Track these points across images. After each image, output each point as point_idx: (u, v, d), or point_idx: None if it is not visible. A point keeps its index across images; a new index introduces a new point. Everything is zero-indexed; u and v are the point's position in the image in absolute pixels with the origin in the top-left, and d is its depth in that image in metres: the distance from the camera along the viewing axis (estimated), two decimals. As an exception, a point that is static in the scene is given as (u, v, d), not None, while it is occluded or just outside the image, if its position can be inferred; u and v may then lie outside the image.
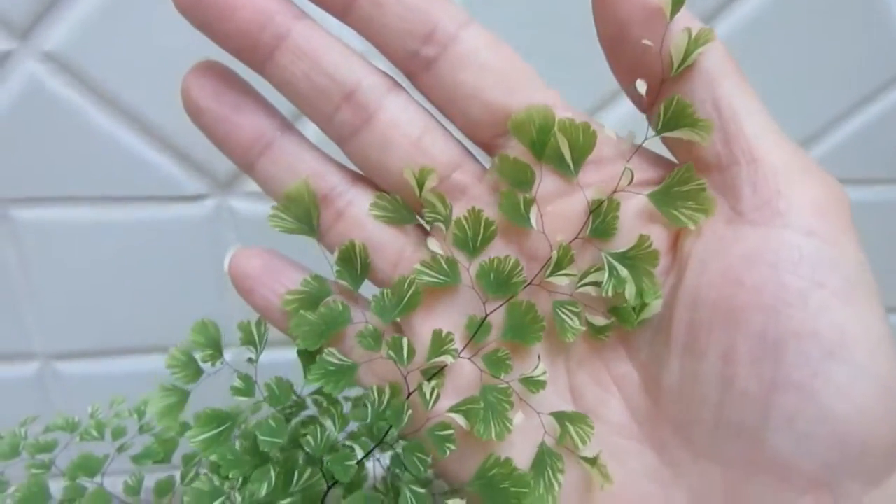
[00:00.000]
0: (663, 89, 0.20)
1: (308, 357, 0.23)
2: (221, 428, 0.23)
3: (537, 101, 0.21)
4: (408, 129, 0.22)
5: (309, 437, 0.22)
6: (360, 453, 0.22)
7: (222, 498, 0.22)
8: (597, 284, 0.21)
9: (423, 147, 0.22)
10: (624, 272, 0.21)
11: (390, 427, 0.22)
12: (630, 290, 0.21)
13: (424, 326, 0.22)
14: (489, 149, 0.22)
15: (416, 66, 0.21)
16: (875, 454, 0.19)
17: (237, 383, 0.23)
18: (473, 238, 0.22)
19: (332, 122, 0.22)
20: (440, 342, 0.22)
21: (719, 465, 0.20)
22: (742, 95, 0.20)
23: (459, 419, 0.21)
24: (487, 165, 0.23)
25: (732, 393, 0.20)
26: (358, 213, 0.23)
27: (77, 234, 0.46)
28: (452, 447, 0.21)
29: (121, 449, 0.30)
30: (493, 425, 0.21)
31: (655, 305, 0.21)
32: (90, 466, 0.29)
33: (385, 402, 0.22)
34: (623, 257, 0.21)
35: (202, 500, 0.22)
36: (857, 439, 0.19)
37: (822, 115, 0.49)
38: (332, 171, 0.23)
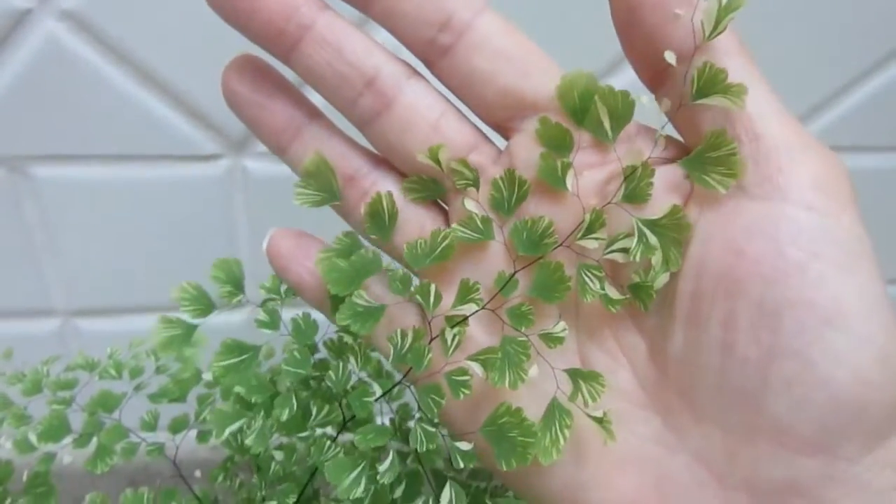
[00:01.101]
0: (692, 59, 0.20)
1: (338, 302, 0.24)
2: (243, 357, 0.23)
3: (551, 85, 0.22)
4: (426, 112, 0.23)
5: (331, 373, 0.23)
6: (378, 391, 0.23)
7: (244, 420, 0.23)
8: (625, 251, 0.22)
9: (440, 130, 0.23)
10: (654, 239, 0.21)
11: (410, 368, 0.22)
12: (658, 258, 0.21)
13: (453, 282, 0.23)
14: (504, 132, 0.23)
15: (433, 53, 0.22)
16: (873, 419, 0.19)
17: (262, 316, 0.24)
18: (509, 198, 0.22)
19: (354, 108, 0.23)
20: (467, 291, 0.22)
21: (721, 428, 0.21)
22: (746, 72, 0.20)
23: (477, 367, 0.22)
24: (502, 148, 0.23)
25: (733, 359, 0.20)
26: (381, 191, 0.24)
27: (95, 192, 0.47)
28: (467, 392, 0.21)
29: (138, 388, 0.31)
30: (508, 374, 0.21)
31: (662, 278, 0.22)
32: (108, 403, 0.30)
33: (408, 344, 0.22)
34: (654, 225, 0.21)
35: (224, 420, 0.23)
36: (854, 405, 0.19)
37: (829, 84, 0.49)
38: (356, 155, 0.24)
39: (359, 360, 0.24)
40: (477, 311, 0.22)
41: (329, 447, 0.23)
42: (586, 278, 0.22)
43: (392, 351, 0.22)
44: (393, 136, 0.23)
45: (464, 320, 0.22)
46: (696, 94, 0.20)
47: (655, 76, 0.21)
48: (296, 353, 0.23)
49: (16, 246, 0.48)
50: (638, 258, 0.21)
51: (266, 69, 0.24)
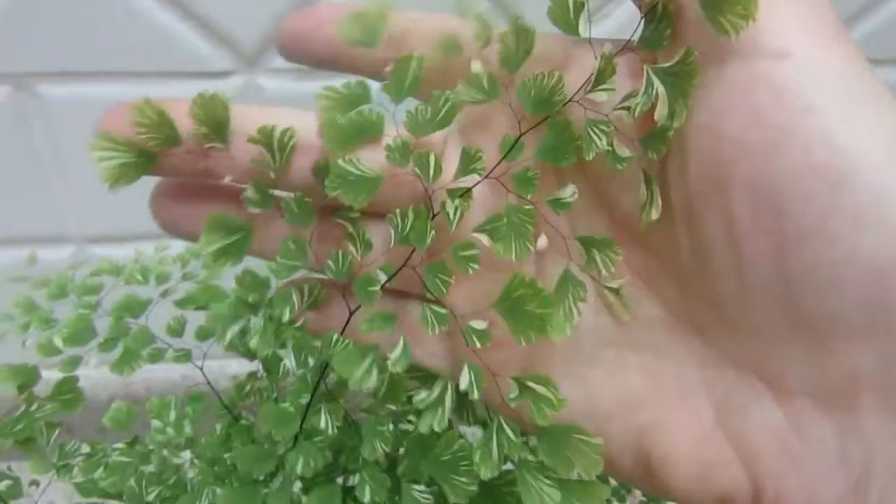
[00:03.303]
0: None
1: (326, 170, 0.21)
2: (234, 238, 0.21)
3: None
4: None
5: (330, 262, 0.21)
6: (382, 277, 0.21)
7: (242, 322, 0.21)
8: (629, 109, 0.19)
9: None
10: (661, 89, 0.18)
11: (413, 249, 0.20)
12: (662, 111, 0.18)
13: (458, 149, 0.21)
14: None
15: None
16: None
17: (250, 193, 0.21)
18: (516, 52, 0.20)
19: (289, 174, 0.21)
20: (469, 160, 0.20)
21: (757, 335, 0.18)
22: None
23: (484, 239, 0.20)
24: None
25: (744, 256, 0.17)
26: None
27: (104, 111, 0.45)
28: (476, 265, 0.20)
29: (165, 294, 0.30)
30: (513, 245, 0.19)
31: (654, 212, 0.19)
32: (134, 307, 0.28)
33: (409, 224, 0.20)
34: (666, 73, 0.18)
35: (224, 322, 0.22)
36: (893, 269, 0.16)
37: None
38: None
39: (359, 245, 0.21)
40: (481, 181, 0.20)
41: (336, 341, 0.21)
42: (593, 135, 0.19)
43: (393, 234, 0.20)
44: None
45: (467, 191, 0.20)
46: None
47: None
48: (290, 244, 0.21)
49: (26, 170, 0.46)
50: (639, 109, 0.18)
51: (188, 185, 0.22)
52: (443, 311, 0.20)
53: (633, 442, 0.20)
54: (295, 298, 0.22)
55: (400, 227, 0.20)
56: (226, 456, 0.26)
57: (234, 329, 0.22)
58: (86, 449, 0.28)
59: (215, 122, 0.20)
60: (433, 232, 0.20)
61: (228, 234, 0.21)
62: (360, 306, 0.21)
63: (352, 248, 0.21)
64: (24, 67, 0.43)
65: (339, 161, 0.20)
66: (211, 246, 0.20)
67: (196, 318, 0.30)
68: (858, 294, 0.16)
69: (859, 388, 0.17)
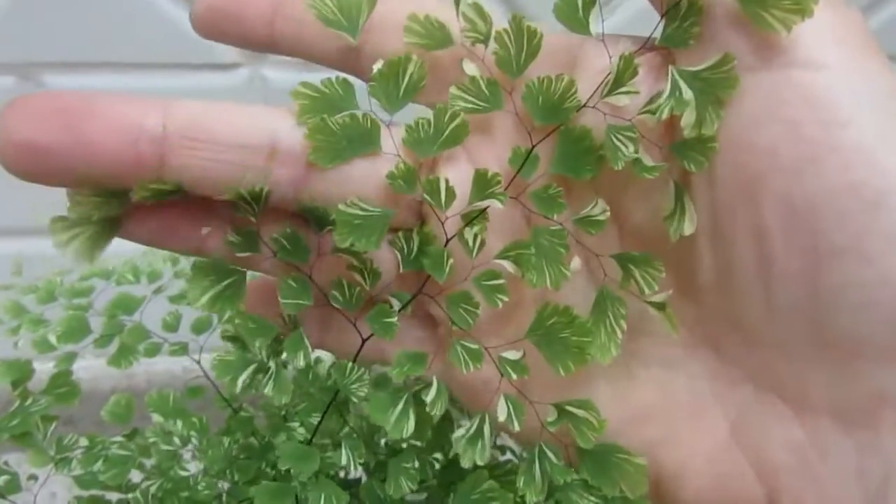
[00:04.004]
0: None
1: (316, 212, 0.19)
2: (227, 281, 0.19)
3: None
4: None
5: (336, 293, 0.19)
6: (397, 305, 0.19)
7: (252, 367, 0.19)
8: (653, 112, 0.17)
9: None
10: (689, 94, 0.17)
11: (428, 277, 0.18)
12: (689, 118, 0.17)
13: (459, 164, 0.19)
14: None
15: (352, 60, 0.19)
16: None
17: (232, 237, 0.18)
18: (517, 53, 0.18)
19: (275, 188, 0.18)
20: (485, 184, 0.18)
21: (781, 352, 0.18)
22: None
23: (509, 266, 0.18)
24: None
25: (774, 274, 0.17)
26: None
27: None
28: (504, 297, 0.18)
29: (157, 291, 0.30)
30: (547, 272, 0.18)
31: (689, 226, 0.18)
32: (128, 304, 0.28)
33: (414, 247, 0.19)
34: (694, 77, 0.17)
35: (231, 371, 0.19)
36: None
37: None
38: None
39: (367, 276, 0.19)
40: (500, 199, 0.18)
41: (351, 370, 0.19)
42: (617, 142, 0.17)
43: (399, 258, 0.19)
44: (335, 189, 0.18)
45: (482, 212, 0.18)
46: None
47: None
48: (290, 282, 0.19)
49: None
50: (665, 115, 0.17)
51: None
52: (475, 346, 0.19)
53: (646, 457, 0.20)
54: (307, 341, 0.19)
55: (406, 250, 0.19)
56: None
57: (243, 377, 0.19)
58: (84, 442, 0.28)
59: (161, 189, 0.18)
60: (451, 261, 0.18)
61: (219, 279, 0.19)
62: (371, 335, 0.20)
63: (359, 279, 0.19)
64: (29, 57, 0.43)
65: (341, 206, 0.17)
66: (202, 296, 0.18)
67: (191, 313, 0.30)
68: (890, 316, 0.16)
69: (882, 406, 0.16)
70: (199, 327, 0.29)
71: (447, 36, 0.18)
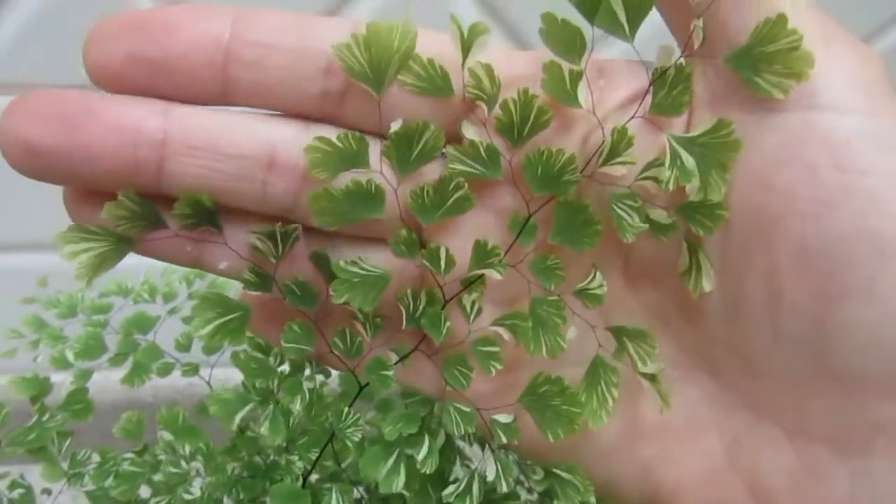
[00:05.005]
0: None
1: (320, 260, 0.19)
2: (231, 315, 0.19)
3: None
4: None
5: (337, 340, 0.19)
6: (394, 357, 0.19)
7: (251, 406, 0.19)
8: (657, 180, 0.17)
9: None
10: (690, 162, 0.17)
11: (424, 336, 0.19)
12: (693, 185, 0.17)
13: (457, 231, 0.19)
14: None
15: (330, 105, 0.18)
16: None
17: (248, 276, 0.19)
18: (521, 125, 0.18)
19: (267, 201, 0.18)
20: (483, 254, 0.18)
21: (782, 382, 0.18)
22: None
23: (504, 333, 0.18)
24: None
25: (783, 308, 0.17)
26: None
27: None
28: (498, 365, 0.18)
29: (172, 311, 0.31)
30: (543, 342, 0.18)
31: (707, 283, 0.18)
32: (143, 323, 0.29)
33: (420, 307, 0.19)
34: (691, 143, 0.17)
35: (229, 409, 0.19)
36: None
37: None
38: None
39: (368, 328, 0.20)
40: (500, 270, 0.18)
41: (346, 414, 0.20)
42: (621, 213, 0.17)
43: (404, 314, 0.19)
44: None
45: (479, 278, 0.18)
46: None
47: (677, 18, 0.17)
48: (295, 328, 0.19)
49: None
50: (671, 186, 0.17)
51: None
52: (467, 409, 0.19)
53: (639, 477, 0.20)
54: (305, 388, 0.20)
55: (411, 307, 0.19)
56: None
57: (241, 415, 0.20)
58: (97, 458, 0.29)
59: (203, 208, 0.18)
60: (448, 324, 0.19)
61: (224, 312, 0.19)
62: (367, 384, 0.20)
63: (360, 329, 0.20)
64: (41, 80, 0.43)
65: (342, 263, 0.18)
66: (205, 327, 0.18)
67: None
68: (894, 354, 0.16)
69: (878, 435, 0.17)
70: (210, 349, 0.30)
71: (448, 87, 0.17)
